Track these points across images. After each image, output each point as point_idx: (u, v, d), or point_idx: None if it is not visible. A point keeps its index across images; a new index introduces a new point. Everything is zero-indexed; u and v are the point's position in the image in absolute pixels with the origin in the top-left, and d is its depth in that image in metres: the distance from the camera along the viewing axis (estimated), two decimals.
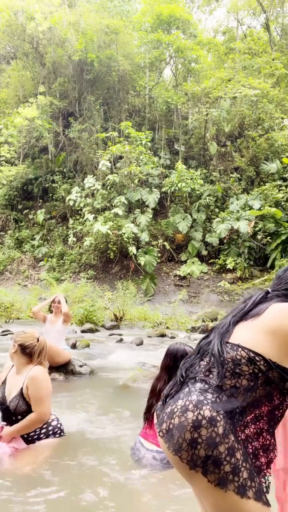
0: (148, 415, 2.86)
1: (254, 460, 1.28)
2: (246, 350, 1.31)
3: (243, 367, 1.29)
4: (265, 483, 1.31)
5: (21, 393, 2.89)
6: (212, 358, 1.35)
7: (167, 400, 1.35)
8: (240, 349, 1.32)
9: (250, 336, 1.36)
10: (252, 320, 1.40)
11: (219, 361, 1.31)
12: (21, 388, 2.90)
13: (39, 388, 2.91)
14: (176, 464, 1.24)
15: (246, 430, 1.28)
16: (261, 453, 1.31)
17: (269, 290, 1.52)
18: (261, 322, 1.37)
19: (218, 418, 1.20)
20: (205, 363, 1.37)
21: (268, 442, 1.33)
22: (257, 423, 1.32)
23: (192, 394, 1.26)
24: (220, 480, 1.17)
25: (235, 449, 1.20)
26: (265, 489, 1.28)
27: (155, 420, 2.74)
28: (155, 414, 2.71)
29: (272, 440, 1.34)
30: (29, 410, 2.89)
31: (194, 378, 1.34)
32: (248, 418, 1.29)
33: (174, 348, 2.88)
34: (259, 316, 1.40)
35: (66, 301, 6.04)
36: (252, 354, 1.30)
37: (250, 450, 1.29)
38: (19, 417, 2.89)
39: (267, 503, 1.24)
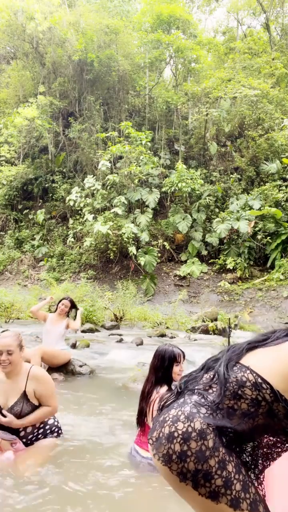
0: (140, 419, 2.83)
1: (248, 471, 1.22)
2: (254, 374, 1.23)
3: (247, 390, 1.22)
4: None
5: (24, 396, 2.85)
6: (216, 375, 1.28)
7: (163, 409, 1.31)
8: (248, 371, 1.25)
9: (264, 361, 1.28)
10: (270, 347, 1.33)
11: (222, 379, 1.24)
12: (24, 391, 2.85)
13: (47, 383, 2.96)
14: (165, 474, 1.19)
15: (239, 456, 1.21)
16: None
17: None
18: (279, 351, 1.30)
19: (208, 431, 1.16)
20: (208, 378, 1.31)
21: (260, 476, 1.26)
22: (252, 453, 1.26)
23: (186, 406, 1.22)
24: (211, 493, 1.13)
25: (226, 461, 1.15)
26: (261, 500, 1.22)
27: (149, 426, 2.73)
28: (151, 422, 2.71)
29: (263, 475, 1.27)
30: (32, 411, 2.87)
31: (193, 390, 1.28)
32: (242, 444, 1.22)
33: (162, 349, 2.86)
34: (279, 345, 1.32)
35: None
36: (259, 380, 1.22)
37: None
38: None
39: None
